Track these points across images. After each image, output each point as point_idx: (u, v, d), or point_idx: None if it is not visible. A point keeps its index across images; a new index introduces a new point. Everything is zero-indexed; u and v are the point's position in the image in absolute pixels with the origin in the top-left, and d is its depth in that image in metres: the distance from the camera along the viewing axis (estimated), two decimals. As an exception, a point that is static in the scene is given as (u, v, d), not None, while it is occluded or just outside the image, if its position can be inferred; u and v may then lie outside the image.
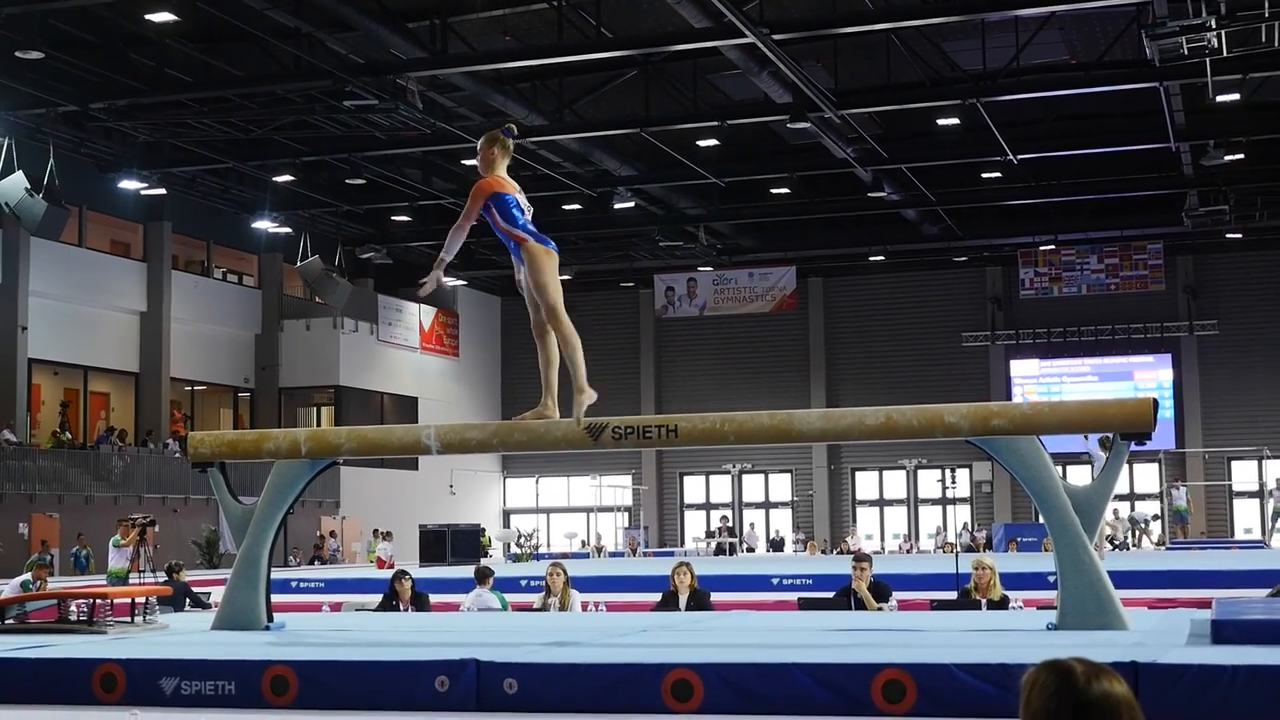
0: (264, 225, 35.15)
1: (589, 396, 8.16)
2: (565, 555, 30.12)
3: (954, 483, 35.93)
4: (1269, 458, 38.06)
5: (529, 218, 8.17)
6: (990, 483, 41.35)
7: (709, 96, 28.56)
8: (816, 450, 42.35)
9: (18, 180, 24.33)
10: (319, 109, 26.84)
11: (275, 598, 9.74)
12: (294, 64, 25.02)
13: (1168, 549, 32.48)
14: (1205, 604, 9.82)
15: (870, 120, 29.64)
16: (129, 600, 9.64)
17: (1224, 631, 6.95)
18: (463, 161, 32.54)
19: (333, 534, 36.02)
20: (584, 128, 28.56)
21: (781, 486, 44.71)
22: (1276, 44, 21.67)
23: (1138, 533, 36.50)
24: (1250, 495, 40.27)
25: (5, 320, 30.70)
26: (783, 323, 42.94)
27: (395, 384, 41.12)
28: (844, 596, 12.25)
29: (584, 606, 13.12)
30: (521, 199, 8.20)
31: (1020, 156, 29.85)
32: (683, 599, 12.24)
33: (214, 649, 7.64)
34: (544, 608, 12.67)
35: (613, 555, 35.29)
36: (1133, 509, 38.37)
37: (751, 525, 43.17)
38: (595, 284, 44.54)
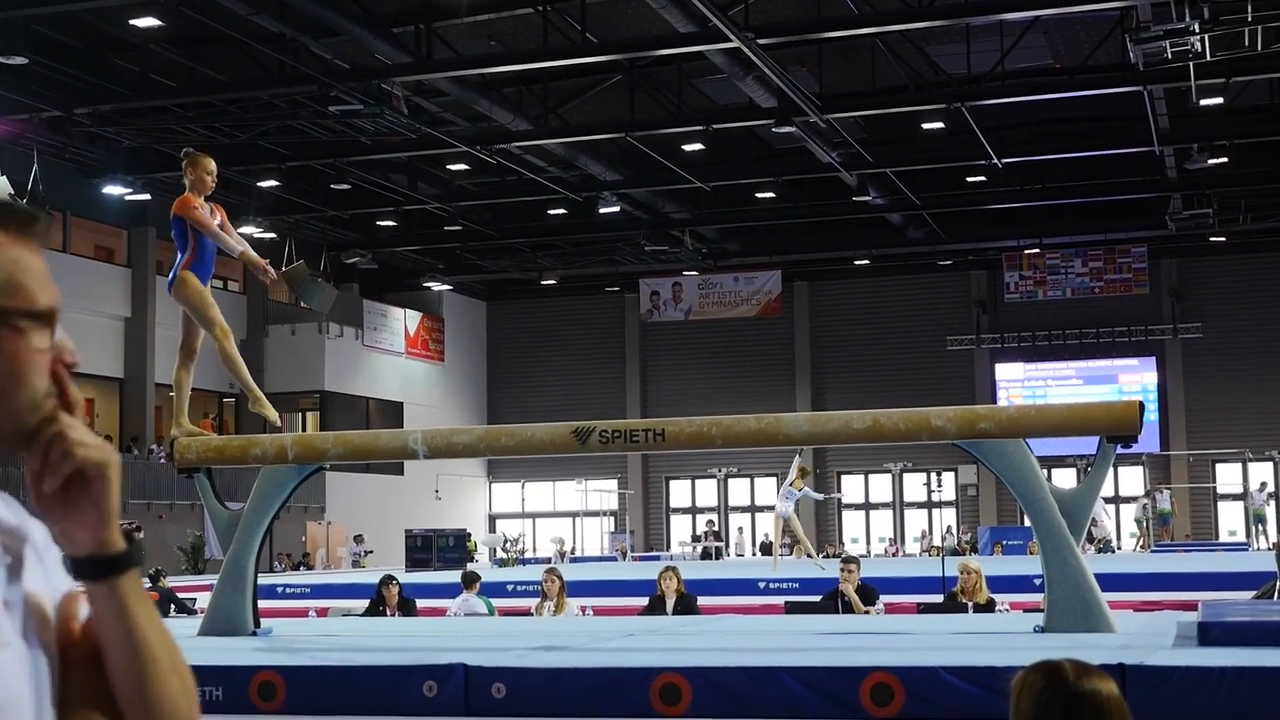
0: (248, 230, 35.00)
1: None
2: (543, 560, 30.10)
3: (939, 486, 35.97)
4: (1252, 460, 38.13)
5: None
6: (976, 486, 41.38)
7: (694, 101, 28.57)
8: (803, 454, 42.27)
9: (1, 186, 24.24)
10: (303, 114, 26.80)
11: (261, 603, 9.72)
12: (278, 69, 24.96)
13: (1153, 552, 32.55)
14: (1190, 606, 9.85)
15: (855, 124, 29.68)
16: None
17: (1211, 633, 6.97)
18: (448, 166, 32.52)
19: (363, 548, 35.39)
20: (569, 132, 28.55)
21: (767, 490, 44.67)
22: (1260, 48, 21.76)
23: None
24: (1235, 498, 40.37)
25: (-11, 326, 30.54)
26: (768, 327, 42.93)
27: (381, 389, 41.04)
28: (831, 599, 12.27)
29: (582, 611, 13.12)
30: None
31: (1005, 160, 29.89)
32: (670, 603, 12.24)
33: (201, 654, 7.62)
34: (539, 612, 12.66)
35: (602, 559, 35.22)
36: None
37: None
38: (580, 288, 44.55)
